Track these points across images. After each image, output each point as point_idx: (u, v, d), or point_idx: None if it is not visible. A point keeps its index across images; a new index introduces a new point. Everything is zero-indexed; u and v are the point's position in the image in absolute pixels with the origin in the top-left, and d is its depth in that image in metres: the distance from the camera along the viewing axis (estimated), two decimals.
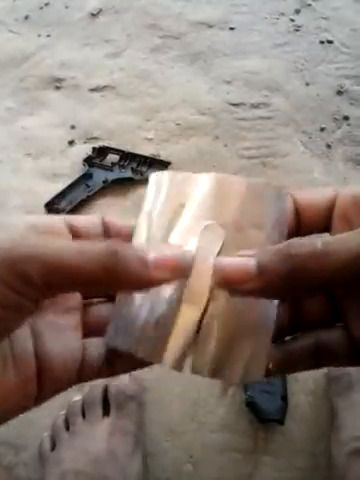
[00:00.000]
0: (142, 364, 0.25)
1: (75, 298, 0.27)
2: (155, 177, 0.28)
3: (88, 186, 0.84)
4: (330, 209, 0.25)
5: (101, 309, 0.28)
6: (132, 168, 0.86)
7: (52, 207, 0.81)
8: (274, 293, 0.23)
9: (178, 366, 0.23)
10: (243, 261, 0.22)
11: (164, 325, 0.24)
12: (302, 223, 0.26)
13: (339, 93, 0.95)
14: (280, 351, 0.26)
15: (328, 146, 0.88)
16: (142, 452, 0.59)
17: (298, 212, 0.26)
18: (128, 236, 0.27)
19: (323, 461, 0.59)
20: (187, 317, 0.23)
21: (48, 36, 1.09)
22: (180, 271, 0.23)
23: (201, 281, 0.24)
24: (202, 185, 0.25)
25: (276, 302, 0.25)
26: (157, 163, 0.87)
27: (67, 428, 0.59)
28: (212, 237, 0.24)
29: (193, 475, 0.60)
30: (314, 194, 0.26)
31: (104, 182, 0.85)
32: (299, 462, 0.60)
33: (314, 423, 0.62)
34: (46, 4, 1.16)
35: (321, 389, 0.64)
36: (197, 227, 0.25)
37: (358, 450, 0.54)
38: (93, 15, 1.12)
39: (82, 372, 0.25)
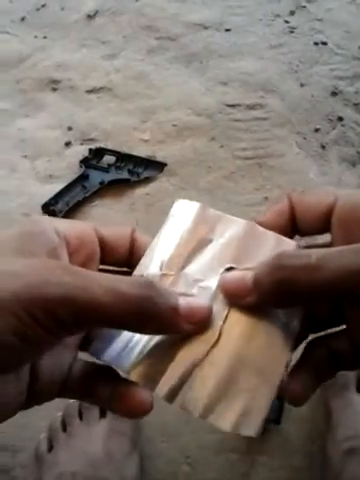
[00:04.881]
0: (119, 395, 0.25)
1: None
2: (181, 204, 0.28)
3: (85, 187, 0.85)
4: (328, 214, 0.25)
5: None
6: (128, 169, 0.86)
7: (49, 208, 0.81)
8: (269, 303, 0.23)
9: (171, 398, 0.23)
10: (241, 274, 0.24)
11: (164, 353, 0.24)
12: (300, 227, 0.27)
13: (333, 94, 0.95)
14: (306, 373, 0.26)
15: (323, 147, 0.88)
16: (139, 453, 0.59)
17: (296, 217, 0.26)
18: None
19: (318, 460, 0.60)
20: (193, 350, 0.23)
21: (44, 38, 1.09)
22: (204, 324, 0.24)
23: (216, 320, 0.24)
24: (235, 228, 0.26)
25: (290, 350, 0.25)
26: (153, 164, 0.87)
27: (64, 429, 0.59)
28: None
29: (190, 476, 0.61)
30: (312, 199, 0.26)
31: (100, 183, 0.85)
32: (295, 461, 0.61)
33: (310, 423, 0.63)
34: (42, 5, 1.16)
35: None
36: (218, 266, 0.25)
37: (353, 449, 0.54)
38: (89, 17, 1.13)
39: (64, 389, 0.26)
